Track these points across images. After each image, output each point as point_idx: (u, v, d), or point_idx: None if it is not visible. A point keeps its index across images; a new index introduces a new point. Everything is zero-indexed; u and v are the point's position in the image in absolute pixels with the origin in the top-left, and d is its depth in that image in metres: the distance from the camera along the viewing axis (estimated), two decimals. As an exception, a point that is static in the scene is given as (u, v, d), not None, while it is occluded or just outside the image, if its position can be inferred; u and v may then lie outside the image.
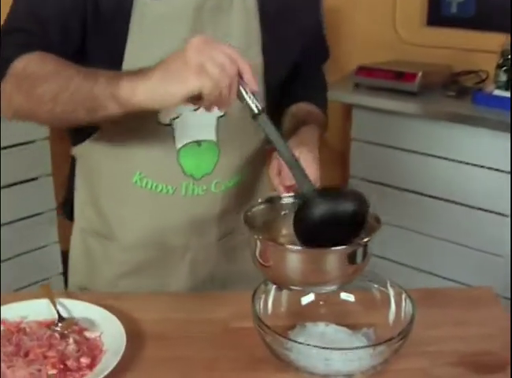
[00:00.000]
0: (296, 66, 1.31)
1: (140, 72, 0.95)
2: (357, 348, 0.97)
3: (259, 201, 1.10)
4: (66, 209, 1.35)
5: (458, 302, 1.21)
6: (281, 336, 0.96)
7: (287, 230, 1.06)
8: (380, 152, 2.54)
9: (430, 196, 2.46)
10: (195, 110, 1.08)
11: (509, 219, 2.27)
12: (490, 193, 2.31)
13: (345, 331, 1.07)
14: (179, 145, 1.18)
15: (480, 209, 2.35)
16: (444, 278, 2.47)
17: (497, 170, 2.28)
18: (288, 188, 1.09)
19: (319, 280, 1.00)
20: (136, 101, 0.94)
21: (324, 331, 1.06)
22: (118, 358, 0.96)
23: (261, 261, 1.00)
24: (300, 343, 0.95)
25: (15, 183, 2.40)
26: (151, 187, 1.20)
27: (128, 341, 1.00)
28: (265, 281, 1.06)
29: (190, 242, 1.27)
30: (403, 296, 1.05)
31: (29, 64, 1.03)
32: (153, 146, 1.18)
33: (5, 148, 2.33)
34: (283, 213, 1.09)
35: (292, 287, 1.03)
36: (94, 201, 1.27)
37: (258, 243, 0.99)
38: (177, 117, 1.16)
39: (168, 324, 1.10)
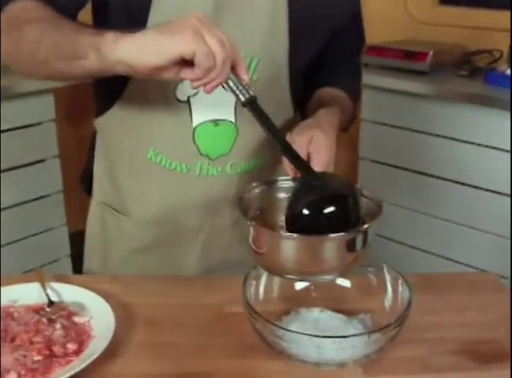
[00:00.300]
0: (325, 52, 1.26)
1: (133, 32, 0.91)
2: (350, 336, 0.93)
3: (254, 184, 1.05)
4: (86, 183, 1.34)
5: (459, 288, 1.18)
6: (271, 323, 0.92)
7: (283, 215, 0.99)
8: (389, 133, 2.50)
9: (440, 177, 2.42)
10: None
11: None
12: (502, 174, 2.27)
13: (340, 317, 1.04)
14: (195, 123, 1.16)
15: (491, 191, 2.31)
16: (455, 261, 2.44)
17: (509, 151, 2.23)
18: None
19: (316, 269, 0.95)
20: (118, 55, 0.89)
21: (319, 317, 1.03)
22: (106, 344, 0.94)
23: (254, 247, 0.95)
24: (291, 331, 0.92)
25: (22, 166, 2.40)
26: (165, 164, 1.19)
27: (117, 326, 0.98)
28: (255, 266, 1.03)
29: (203, 223, 1.26)
30: (400, 281, 1.02)
31: (24, 8, 1.03)
32: (169, 122, 1.16)
33: (11, 130, 2.32)
34: (280, 196, 1.04)
35: (287, 276, 0.98)
36: (110, 174, 1.27)
37: (251, 229, 0.95)
38: (195, 94, 1.13)
39: (159, 309, 1.08)
